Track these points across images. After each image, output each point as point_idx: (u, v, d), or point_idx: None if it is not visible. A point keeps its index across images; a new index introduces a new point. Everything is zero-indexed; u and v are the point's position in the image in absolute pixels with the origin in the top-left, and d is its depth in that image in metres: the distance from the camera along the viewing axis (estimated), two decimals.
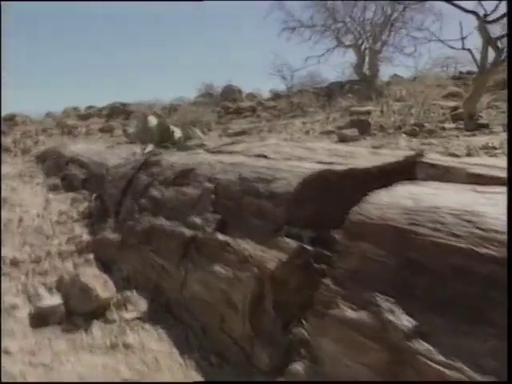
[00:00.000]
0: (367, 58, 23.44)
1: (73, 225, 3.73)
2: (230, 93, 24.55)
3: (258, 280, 1.93)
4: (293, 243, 2.01)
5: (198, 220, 2.56)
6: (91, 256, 3.09)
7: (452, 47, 10.64)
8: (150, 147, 4.99)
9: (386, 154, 2.72)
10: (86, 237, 3.41)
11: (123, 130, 13.82)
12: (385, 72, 33.14)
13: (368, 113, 11.04)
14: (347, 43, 24.00)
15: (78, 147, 6.17)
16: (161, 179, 3.15)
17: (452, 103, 13.27)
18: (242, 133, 9.60)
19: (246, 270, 2.02)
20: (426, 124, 7.95)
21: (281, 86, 31.92)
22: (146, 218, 2.92)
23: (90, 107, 24.14)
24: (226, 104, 19.31)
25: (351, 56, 26.84)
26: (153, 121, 5.41)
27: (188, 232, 2.53)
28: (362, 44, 23.40)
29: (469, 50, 9.42)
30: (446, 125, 8.10)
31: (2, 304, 2.43)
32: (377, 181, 2.00)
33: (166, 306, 2.46)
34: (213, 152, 3.71)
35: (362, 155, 2.73)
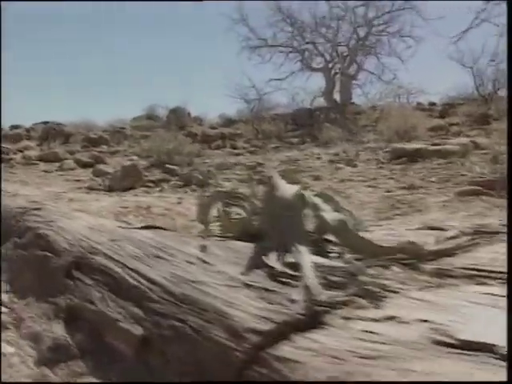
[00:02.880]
0: (337, 84, 21.22)
1: None
2: (179, 116, 21.61)
3: None
4: None
5: None
6: None
7: None
8: (361, 268, 2.05)
9: None
10: None
11: (75, 160, 10.45)
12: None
13: (416, 152, 8.45)
14: (315, 66, 21.72)
15: (82, 223, 3.03)
16: None
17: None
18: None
19: None
20: None
21: (230, 111, 29.16)
22: None
23: (14, 126, 20.32)
24: (192, 130, 16.28)
25: (314, 81, 24.61)
26: (284, 186, 2.43)
27: None
28: (332, 68, 21.19)
29: None
30: None
31: None
32: None
33: None
34: None
35: None
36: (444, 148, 8.38)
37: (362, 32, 20.70)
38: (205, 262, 2.25)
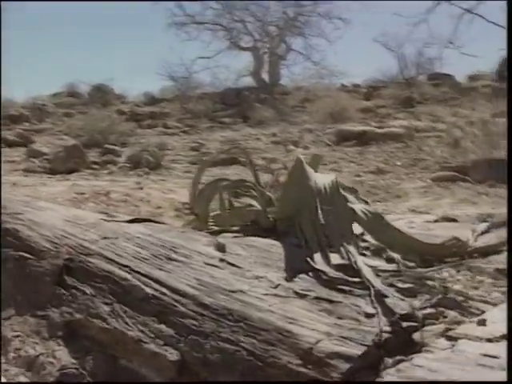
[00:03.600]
0: (266, 63, 20.96)
1: None
2: (104, 93, 20.58)
3: None
4: None
5: None
6: None
7: None
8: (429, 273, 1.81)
9: None
10: None
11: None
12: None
13: (364, 134, 8.40)
14: (243, 45, 21.33)
15: (54, 214, 2.57)
16: None
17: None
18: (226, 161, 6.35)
19: None
20: None
21: (152, 88, 27.84)
22: None
23: None
24: (120, 108, 15.50)
25: (242, 60, 24.17)
26: (315, 175, 2.12)
27: None
28: (261, 47, 20.88)
29: None
30: None
31: None
32: None
33: None
34: None
35: None
36: (391, 131, 8.38)
37: (291, 12, 20.52)
38: (231, 264, 1.92)
